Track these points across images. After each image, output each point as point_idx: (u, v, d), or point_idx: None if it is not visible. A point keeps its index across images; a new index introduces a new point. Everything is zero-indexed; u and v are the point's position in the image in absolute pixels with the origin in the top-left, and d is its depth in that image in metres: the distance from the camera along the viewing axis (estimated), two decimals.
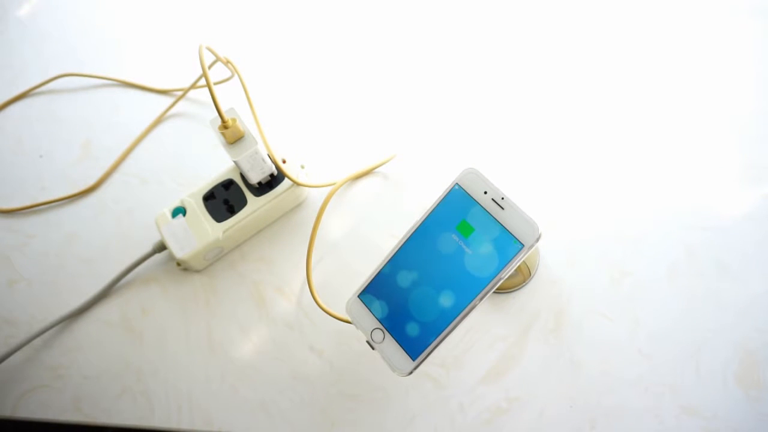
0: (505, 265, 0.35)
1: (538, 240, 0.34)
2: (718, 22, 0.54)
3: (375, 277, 0.39)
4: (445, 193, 0.38)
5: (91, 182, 0.57)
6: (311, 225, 0.51)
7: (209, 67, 0.58)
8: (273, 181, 0.49)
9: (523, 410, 0.42)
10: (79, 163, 0.58)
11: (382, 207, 0.51)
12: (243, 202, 0.49)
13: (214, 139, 0.57)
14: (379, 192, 0.52)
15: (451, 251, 0.36)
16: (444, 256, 0.36)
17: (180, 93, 0.60)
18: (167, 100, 0.61)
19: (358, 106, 0.57)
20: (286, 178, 0.49)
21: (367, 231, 0.50)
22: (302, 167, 0.50)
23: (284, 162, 0.50)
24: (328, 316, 0.46)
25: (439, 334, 0.35)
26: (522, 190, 0.49)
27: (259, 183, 0.49)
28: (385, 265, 0.39)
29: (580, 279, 0.45)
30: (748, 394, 0.40)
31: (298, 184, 0.49)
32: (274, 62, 0.61)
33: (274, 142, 0.49)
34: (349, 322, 0.45)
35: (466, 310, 0.35)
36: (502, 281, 0.35)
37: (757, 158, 0.47)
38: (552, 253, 0.46)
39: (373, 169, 0.52)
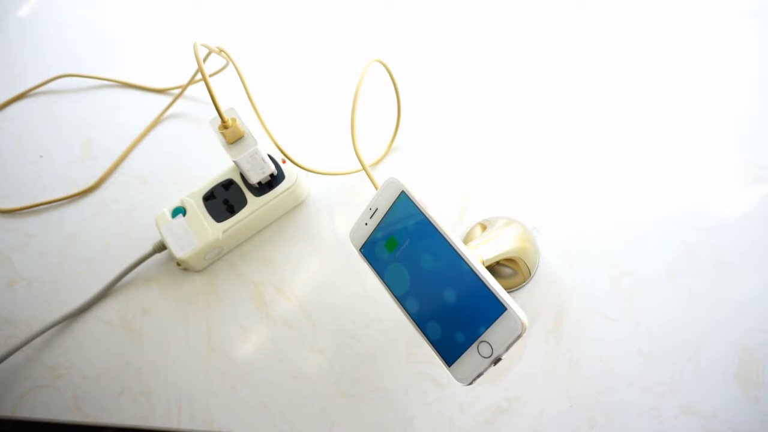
0: None
1: None
2: (716, 23, 0.54)
3: None
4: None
5: (91, 182, 0.57)
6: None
7: (204, 60, 0.58)
8: (273, 181, 0.49)
9: (523, 410, 0.42)
10: (79, 163, 0.58)
11: None
12: (243, 202, 0.49)
13: (214, 139, 0.57)
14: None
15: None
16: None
17: (178, 91, 0.60)
18: (166, 100, 0.61)
19: (360, 105, 0.57)
20: (285, 179, 0.49)
21: None
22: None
23: (284, 162, 0.50)
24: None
25: None
26: (522, 191, 0.50)
27: (259, 183, 0.49)
28: None
29: (580, 279, 0.45)
30: (747, 393, 0.40)
31: (308, 170, 0.49)
32: (271, 58, 0.61)
33: (273, 128, 0.49)
34: None
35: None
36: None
37: (757, 158, 0.47)
38: (552, 253, 0.46)
39: (377, 162, 0.52)
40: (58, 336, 0.50)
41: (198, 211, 0.49)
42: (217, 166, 0.51)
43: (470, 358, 0.32)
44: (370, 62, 0.44)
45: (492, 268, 0.45)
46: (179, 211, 0.49)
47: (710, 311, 0.43)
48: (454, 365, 0.33)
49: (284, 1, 0.65)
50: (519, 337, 0.30)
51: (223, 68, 0.58)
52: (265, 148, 0.48)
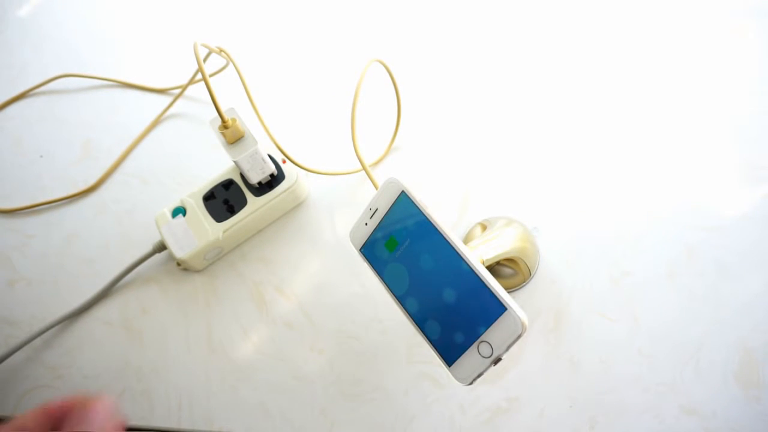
0: None
1: None
2: (716, 22, 0.54)
3: None
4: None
5: (91, 182, 0.57)
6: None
7: (204, 60, 0.58)
8: (273, 181, 0.49)
9: (523, 410, 0.42)
10: (79, 163, 0.58)
11: None
12: (243, 202, 0.49)
13: (214, 139, 0.57)
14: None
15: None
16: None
17: (178, 91, 0.60)
18: (166, 100, 0.61)
19: (360, 105, 0.57)
20: (285, 179, 0.49)
21: None
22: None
23: (284, 162, 0.50)
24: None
25: None
26: (522, 191, 0.50)
27: (259, 183, 0.49)
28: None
29: (580, 279, 0.45)
30: (747, 393, 0.40)
31: (308, 170, 0.49)
32: (271, 58, 0.61)
33: (273, 128, 0.49)
34: None
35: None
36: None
37: (756, 158, 0.48)
38: (552, 253, 0.46)
39: (377, 162, 0.52)
40: (58, 336, 0.50)
41: (198, 211, 0.49)
42: (217, 166, 0.51)
43: (470, 358, 0.32)
44: (370, 62, 0.44)
45: (492, 268, 0.45)
46: (179, 211, 0.49)
47: (710, 311, 0.43)
48: (454, 365, 0.33)
49: (284, 1, 0.65)
50: (519, 337, 0.30)
51: (223, 68, 0.58)
52: (265, 148, 0.48)
